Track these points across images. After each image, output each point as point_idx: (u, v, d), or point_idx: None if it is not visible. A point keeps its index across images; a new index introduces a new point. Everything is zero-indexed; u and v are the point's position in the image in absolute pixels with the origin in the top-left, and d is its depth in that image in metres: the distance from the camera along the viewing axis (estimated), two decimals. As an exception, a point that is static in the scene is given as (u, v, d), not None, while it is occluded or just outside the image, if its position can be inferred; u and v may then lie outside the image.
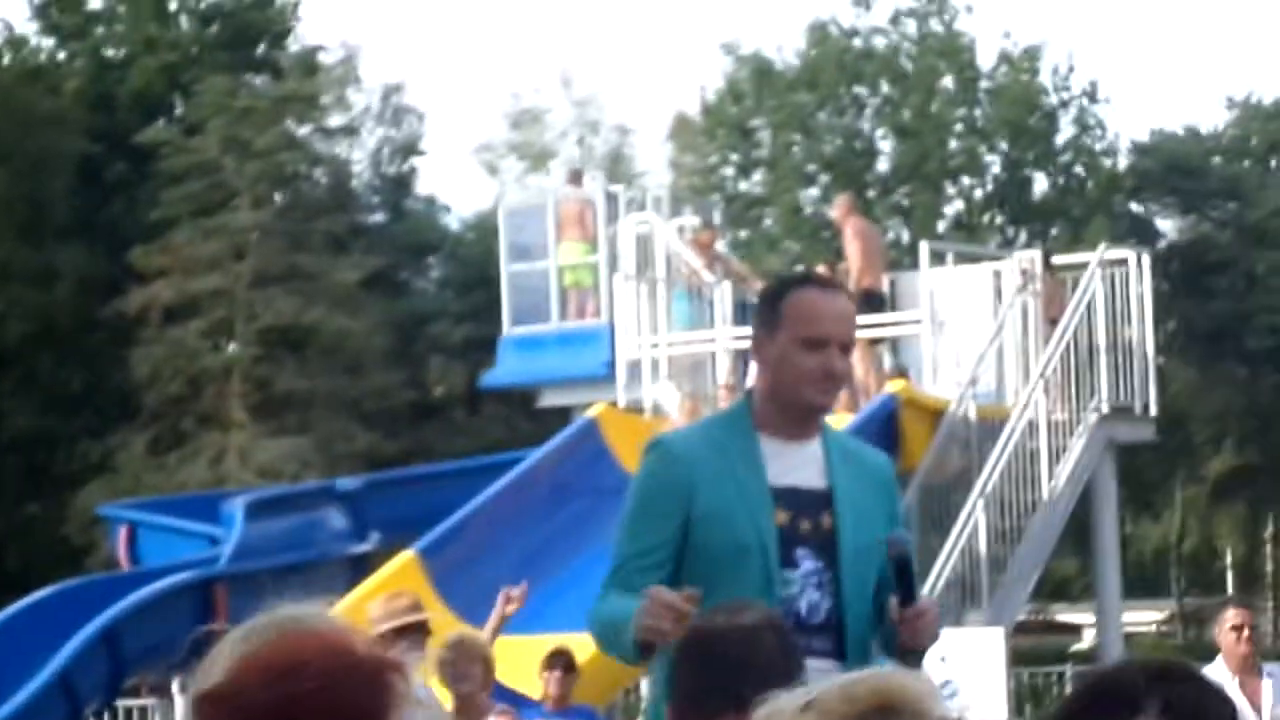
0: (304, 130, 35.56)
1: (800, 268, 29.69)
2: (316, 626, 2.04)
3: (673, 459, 4.25)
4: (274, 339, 32.05)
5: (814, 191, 38.58)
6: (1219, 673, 8.25)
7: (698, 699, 3.13)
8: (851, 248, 17.62)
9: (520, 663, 10.60)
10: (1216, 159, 39.09)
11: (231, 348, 32.16)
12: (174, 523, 16.44)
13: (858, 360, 17.14)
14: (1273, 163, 39.17)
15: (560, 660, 9.57)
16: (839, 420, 16.29)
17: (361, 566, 15.45)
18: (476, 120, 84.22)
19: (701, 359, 17.37)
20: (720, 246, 19.52)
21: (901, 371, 17.02)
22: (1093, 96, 38.62)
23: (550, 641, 10.33)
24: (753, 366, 4.30)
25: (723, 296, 17.67)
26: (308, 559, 14.88)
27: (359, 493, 16.65)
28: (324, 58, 37.05)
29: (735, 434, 4.25)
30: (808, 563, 4.18)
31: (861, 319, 18.08)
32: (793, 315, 4.20)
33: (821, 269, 18.10)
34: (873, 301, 17.25)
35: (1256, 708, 8.53)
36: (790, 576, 4.15)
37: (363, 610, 11.99)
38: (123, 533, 16.35)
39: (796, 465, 4.24)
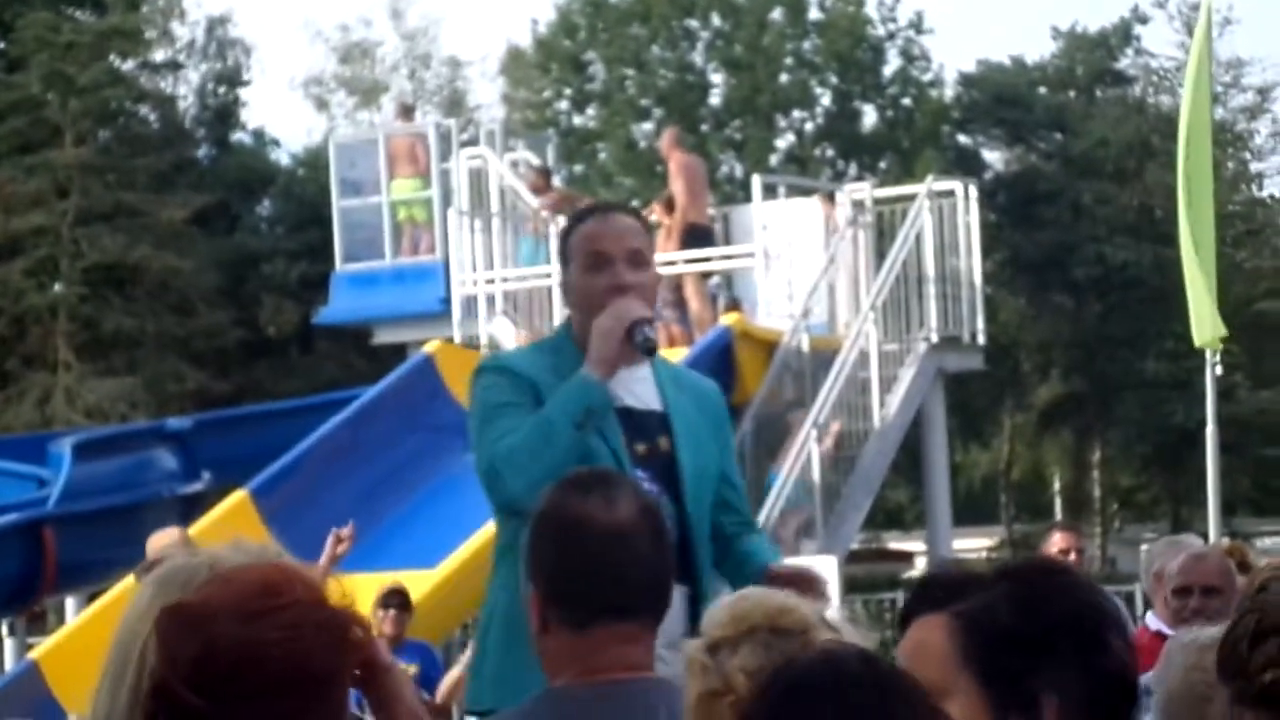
0: (128, 65, 34.96)
1: (635, 203, 29.72)
2: (297, 570, 2.03)
3: (514, 373, 4.28)
4: (100, 278, 31.57)
5: (648, 126, 38.60)
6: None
7: (569, 600, 2.96)
8: (676, 184, 17.65)
9: (357, 601, 10.55)
10: (1042, 89, 39.57)
11: (57, 287, 31.62)
12: (0, 464, 16.17)
13: (691, 295, 17.20)
14: (1097, 92, 39.72)
15: (395, 598, 9.54)
16: (674, 354, 16.36)
17: (193, 507, 15.29)
18: (305, 54, 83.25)
19: (539, 294, 17.34)
20: (555, 182, 19.46)
21: (735, 304, 17.10)
22: (918, 28, 38.95)
23: (387, 579, 10.29)
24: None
25: (558, 232, 17.64)
26: (138, 500, 14.70)
27: (189, 432, 16.45)
28: (148, -10, 36.40)
29: (565, 357, 4.28)
30: (647, 486, 4.15)
31: (691, 253, 18.23)
32: (577, 246, 4.35)
33: (656, 207, 18.10)
34: (699, 235, 17.29)
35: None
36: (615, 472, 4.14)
37: (195, 550, 11.84)
38: (-52, 476, 16.06)
39: (628, 386, 4.26)
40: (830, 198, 17.53)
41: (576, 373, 4.18)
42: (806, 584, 4.17)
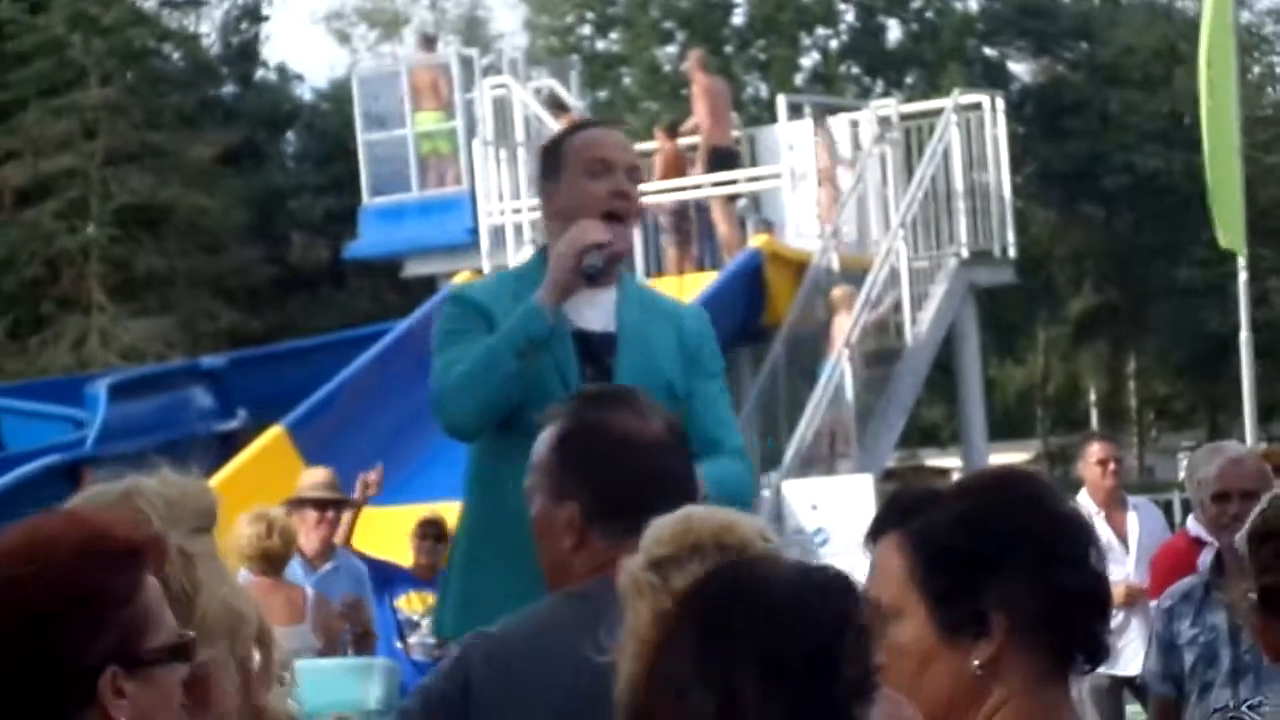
0: (150, 4, 34.91)
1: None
2: (70, 514, 2.10)
3: (471, 302, 4.26)
4: (130, 218, 31.61)
5: (671, 49, 38.44)
6: (1085, 506, 8.39)
7: (619, 509, 2.91)
8: (699, 106, 17.59)
9: (389, 533, 10.60)
10: None
11: (88, 229, 31.70)
12: (37, 407, 16.26)
13: (718, 218, 17.17)
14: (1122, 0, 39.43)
15: (431, 529, 9.58)
16: (704, 279, 16.36)
17: (230, 444, 15.37)
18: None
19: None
20: (577, 112, 19.41)
21: (768, 226, 17.07)
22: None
23: (419, 511, 10.34)
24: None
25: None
26: (175, 438, 14.75)
27: (224, 370, 16.52)
28: (167, -71, 36.30)
29: (530, 285, 4.24)
30: None
31: (717, 175, 18.15)
32: (574, 152, 4.26)
33: (659, 134, 18.05)
34: (722, 158, 17.24)
35: (1123, 539, 8.67)
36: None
37: (235, 488, 11.96)
38: (-14, 419, 16.16)
39: (585, 310, 4.23)
40: (821, 119, 17.31)
41: (525, 302, 4.14)
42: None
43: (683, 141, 17.79)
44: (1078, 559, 2.32)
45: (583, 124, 4.53)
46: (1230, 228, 10.05)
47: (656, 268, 17.25)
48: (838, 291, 15.64)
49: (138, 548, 2.05)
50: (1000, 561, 2.28)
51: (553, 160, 4.29)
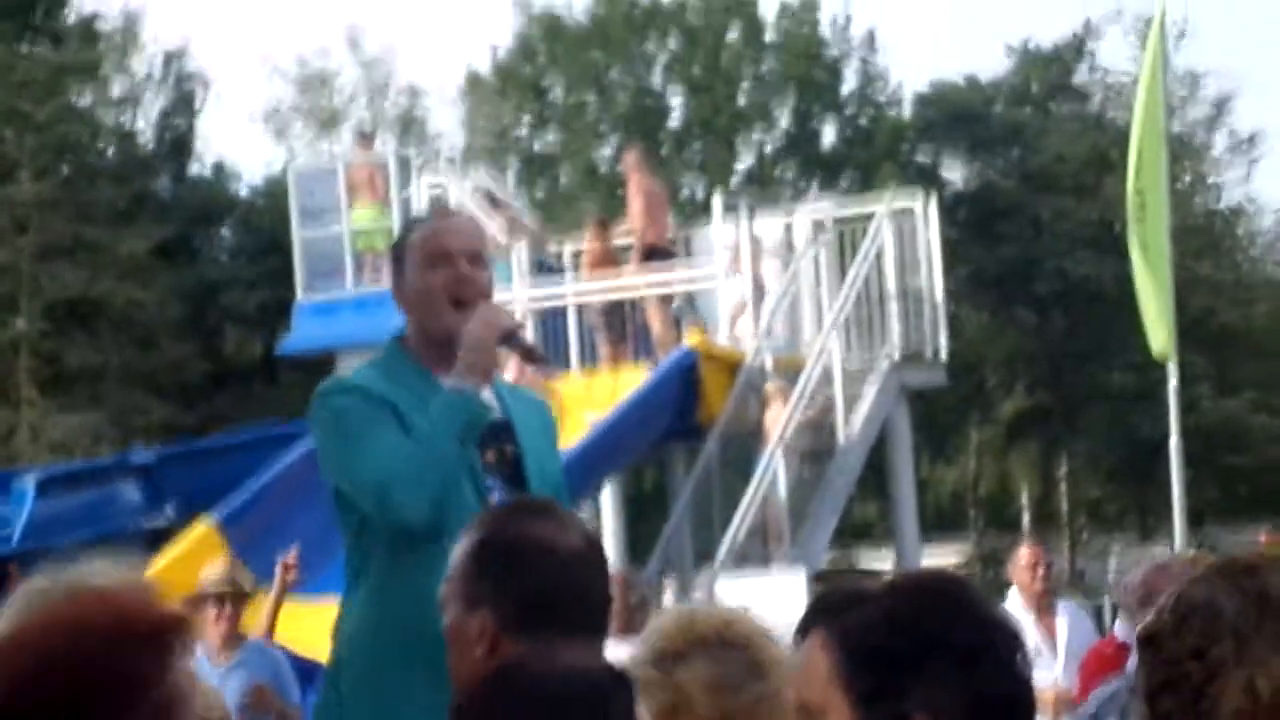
0: (86, 100, 34.89)
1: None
2: (102, 587, 2.06)
3: (366, 391, 4.18)
4: (62, 313, 31.47)
5: (607, 150, 38.65)
6: (1015, 609, 8.40)
7: (536, 620, 2.93)
8: (634, 205, 17.66)
9: (317, 628, 10.52)
10: (998, 106, 39.72)
11: (19, 323, 31.50)
12: (-36, 503, 16.07)
13: (652, 316, 17.21)
14: (1053, 108, 39.87)
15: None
16: (638, 375, 16.38)
17: (159, 539, 15.23)
18: (263, 85, 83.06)
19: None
20: (513, 208, 19.47)
21: (698, 324, 17.12)
22: (872, 45, 39.12)
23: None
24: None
25: (519, 255, 17.64)
26: (103, 533, 14.61)
27: (154, 464, 16.38)
28: (103, 24, 36.35)
29: (406, 372, 4.22)
30: (497, 494, 4.14)
31: (653, 275, 18.18)
32: (415, 245, 4.27)
33: (590, 230, 18.14)
34: (658, 256, 17.30)
35: (1052, 642, 8.68)
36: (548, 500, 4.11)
37: (164, 583, 11.78)
38: (-89, 515, 15.96)
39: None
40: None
41: (447, 385, 4.09)
42: (526, 354, 4.39)
43: (616, 241, 17.86)
44: (1003, 664, 2.30)
45: (424, 216, 4.53)
46: (1160, 335, 10.13)
47: (591, 361, 17.27)
48: (771, 386, 15.70)
49: (169, 628, 2.03)
50: (925, 664, 2.25)
51: (399, 256, 4.31)
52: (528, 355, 4.23)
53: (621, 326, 17.26)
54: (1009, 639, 2.34)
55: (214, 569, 8.82)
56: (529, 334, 17.16)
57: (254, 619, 9.24)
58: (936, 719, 2.25)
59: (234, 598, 8.56)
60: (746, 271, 16.91)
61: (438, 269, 4.21)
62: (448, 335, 4.17)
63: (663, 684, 2.13)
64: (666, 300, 17.43)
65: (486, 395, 4.20)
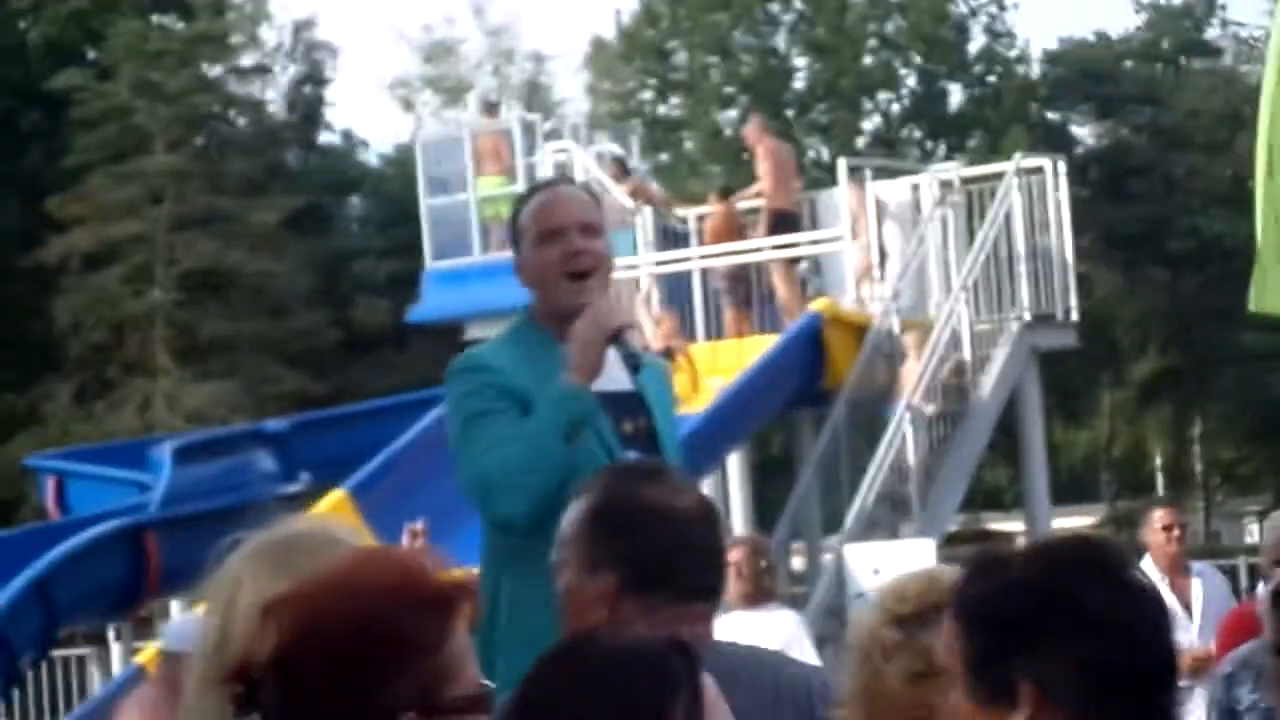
0: (216, 71, 35.26)
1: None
2: (388, 553, 2.11)
3: (490, 370, 4.19)
4: (196, 283, 31.87)
5: (732, 113, 38.54)
6: (1149, 572, 8.33)
7: (658, 583, 2.95)
8: (762, 169, 17.62)
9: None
10: (1129, 63, 39.23)
11: (154, 293, 31.94)
12: (102, 471, 16.34)
13: (778, 281, 17.17)
14: (1185, 64, 39.33)
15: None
16: (764, 341, 16.36)
17: (293, 508, 15.39)
18: (390, 54, 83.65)
19: (628, 285, 17.35)
20: (638, 175, 19.48)
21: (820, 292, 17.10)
22: (1001, 4, 38.72)
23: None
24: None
25: (644, 223, 17.65)
26: (238, 502, 14.80)
27: (287, 434, 16.58)
28: (233, -4, 36.71)
29: (537, 343, 4.23)
30: None
31: (776, 239, 18.13)
32: (527, 221, 4.29)
33: (713, 198, 18.12)
34: (786, 222, 17.25)
35: (1186, 606, 8.60)
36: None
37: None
38: (51, 483, 16.25)
39: (605, 370, 4.19)
40: (860, 183, 17.32)
41: (557, 381, 4.09)
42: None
43: (742, 205, 17.83)
44: (1134, 634, 2.27)
45: (534, 189, 4.52)
46: (1265, 292, 9.99)
47: (716, 331, 17.26)
48: (908, 337, 15.65)
49: (450, 595, 2.05)
50: (1042, 632, 2.24)
51: (515, 232, 4.33)
52: (627, 358, 4.18)
53: (746, 293, 17.24)
54: (1147, 609, 2.30)
55: None
56: (654, 301, 17.17)
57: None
58: (1042, 688, 2.23)
59: None
60: (870, 235, 16.83)
61: (551, 244, 4.22)
62: (567, 311, 4.18)
63: (909, 648, 2.12)
64: (793, 264, 17.39)
65: (617, 365, 4.20)
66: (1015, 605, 2.27)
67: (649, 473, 3.20)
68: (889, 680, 2.34)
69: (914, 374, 15.35)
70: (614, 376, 4.21)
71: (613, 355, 4.20)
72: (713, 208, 17.86)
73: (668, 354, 15.79)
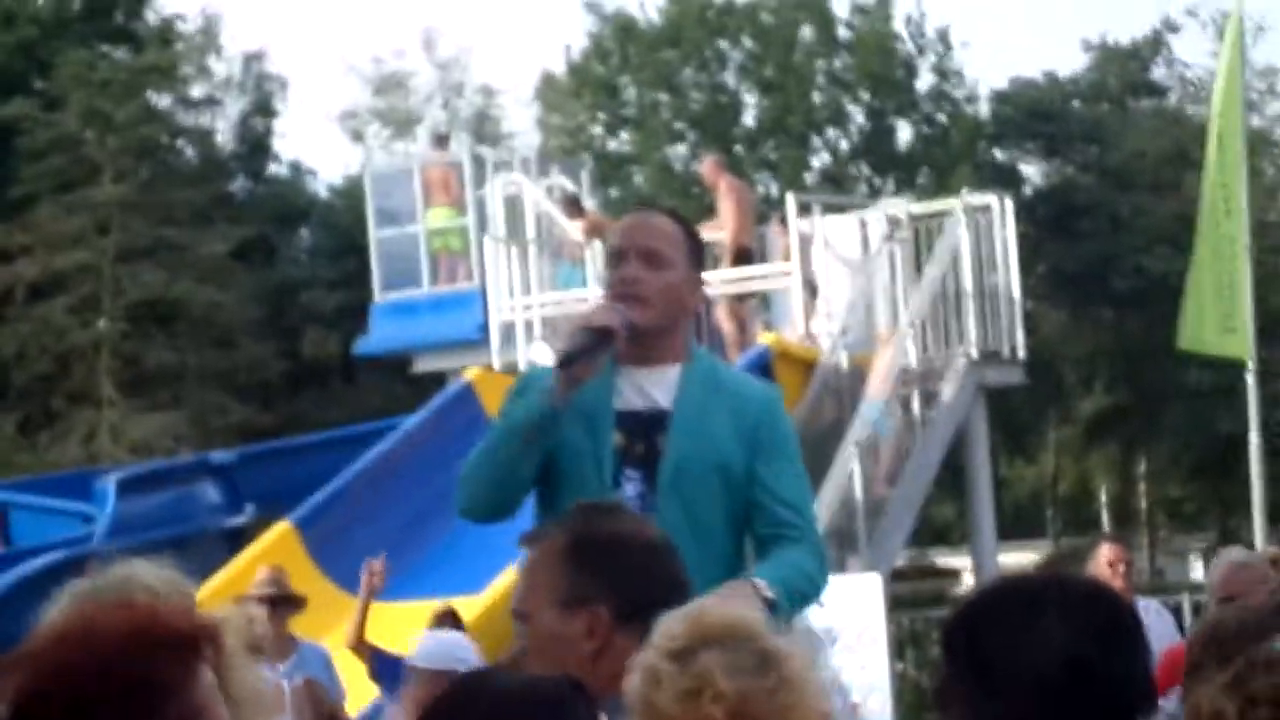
0: (165, 101, 35.16)
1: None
2: (135, 593, 2.08)
3: (538, 386, 4.24)
4: (143, 313, 31.73)
5: (682, 149, 38.64)
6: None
7: (648, 610, 2.94)
8: (725, 205, 17.63)
9: (398, 628, 10.58)
10: (1076, 103, 39.48)
11: (100, 324, 31.79)
12: (46, 502, 16.25)
13: (723, 317, 17.20)
14: (1132, 104, 39.61)
15: (447, 619, 9.57)
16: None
17: (238, 539, 15.34)
18: (339, 87, 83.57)
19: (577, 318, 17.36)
20: (589, 207, 19.49)
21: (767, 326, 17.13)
22: (946, 43, 38.94)
23: (431, 606, 10.30)
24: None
25: (594, 256, 17.67)
26: (183, 533, 14.75)
27: (233, 465, 16.51)
28: (183, 26, 36.64)
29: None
30: (630, 486, 4.15)
31: (728, 273, 18.09)
32: (608, 242, 4.48)
33: None
34: (746, 257, 17.31)
35: (1130, 642, 8.62)
36: (615, 498, 4.08)
37: (242, 583, 11.91)
38: (-7, 514, 16.15)
39: (646, 388, 4.22)
40: (782, 221, 17.51)
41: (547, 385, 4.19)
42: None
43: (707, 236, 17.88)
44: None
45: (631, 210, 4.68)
46: (1195, 328, 10.06)
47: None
48: (884, 330, 15.76)
49: (191, 637, 2.03)
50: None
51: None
52: (567, 366, 4.16)
53: (696, 328, 17.25)
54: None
55: (261, 574, 8.98)
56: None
57: (339, 624, 9.30)
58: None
59: (280, 601, 8.64)
60: (796, 270, 16.85)
61: (614, 267, 4.33)
62: (621, 331, 4.20)
63: (679, 673, 2.16)
64: (741, 300, 17.42)
65: (667, 384, 4.21)
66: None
67: (608, 509, 3.27)
68: (661, 704, 2.43)
69: (886, 366, 15.44)
70: (651, 394, 4.21)
71: (666, 375, 4.20)
72: None
73: None
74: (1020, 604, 2.26)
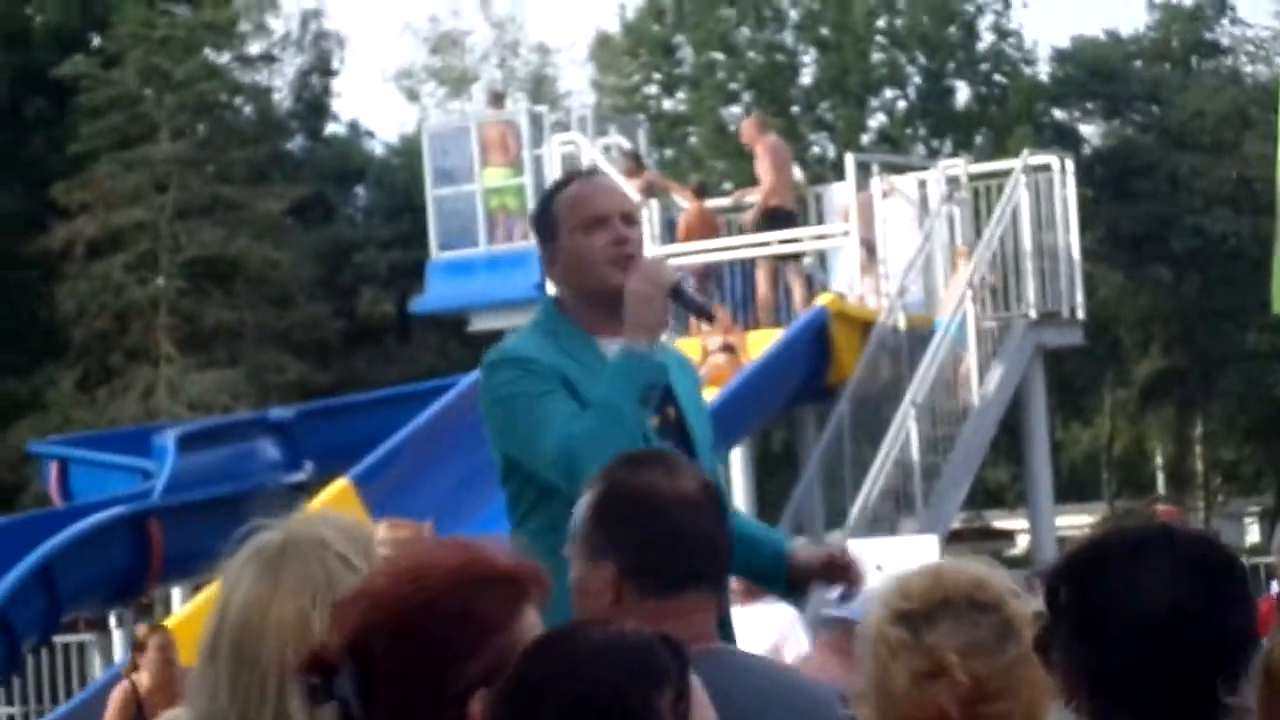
0: (224, 59, 35.25)
1: (727, 186, 29.71)
2: (317, 538, 2.17)
3: (534, 361, 4.17)
4: (200, 271, 31.87)
5: (737, 109, 38.51)
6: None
7: (655, 569, 3.01)
8: (761, 166, 17.55)
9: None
10: (1137, 62, 39.20)
11: (158, 281, 31.95)
12: (105, 457, 16.35)
13: (760, 278, 17.16)
14: (1193, 64, 39.30)
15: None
16: (768, 337, 16.34)
17: (296, 496, 15.40)
18: (396, 46, 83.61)
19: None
20: (652, 170, 19.46)
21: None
22: (1007, 2, 38.70)
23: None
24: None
25: (650, 216, 17.63)
26: (241, 490, 14.81)
27: (292, 422, 16.58)
28: (241, -16, 36.70)
29: (569, 335, 4.21)
30: None
31: (779, 234, 18.02)
32: (565, 210, 4.24)
33: (688, 195, 18.14)
34: (780, 218, 17.19)
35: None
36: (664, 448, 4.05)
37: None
38: (54, 469, 16.25)
39: None
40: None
41: (620, 347, 4.08)
42: (841, 570, 4.21)
43: (714, 203, 17.92)
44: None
45: (567, 179, 4.46)
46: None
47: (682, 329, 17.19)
48: (963, 246, 15.90)
49: (517, 577, 2.09)
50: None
51: (546, 220, 4.28)
52: (696, 309, 4.23)
53: (711, 291, 17.13)
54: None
55: (380, 532, 8.92)
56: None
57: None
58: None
59: None
60: (854, 231, 16.79)
61: (595, 232, 4.19)
62: (616, 294, 4.12)
63: (914, 647, 2.13)
64: (783, 261, 17.35)
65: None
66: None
67: (649, 460, 3.23)
68: (896, 679, 2.37)
69: (960, 284, 15.65)
70: None
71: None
72: (687, 204, 17.86)
73: (729, 348, 15.84)
74: (1127, 552, 2.25)
